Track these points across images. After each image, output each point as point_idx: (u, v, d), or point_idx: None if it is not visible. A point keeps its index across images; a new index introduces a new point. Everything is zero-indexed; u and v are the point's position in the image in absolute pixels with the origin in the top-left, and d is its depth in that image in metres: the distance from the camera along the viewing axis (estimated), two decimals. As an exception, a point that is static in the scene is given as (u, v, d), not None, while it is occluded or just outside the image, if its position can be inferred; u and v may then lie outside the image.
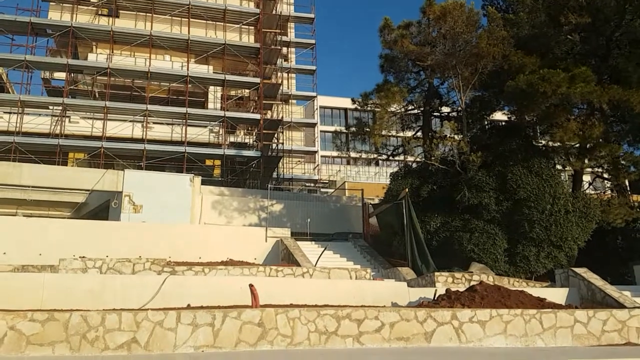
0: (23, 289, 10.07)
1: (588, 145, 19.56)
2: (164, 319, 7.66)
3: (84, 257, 14.10)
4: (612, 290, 12.54)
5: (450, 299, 11.12)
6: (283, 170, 38.99)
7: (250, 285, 9.61)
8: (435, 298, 11.77)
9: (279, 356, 6.85)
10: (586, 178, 24.75)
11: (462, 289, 12.24)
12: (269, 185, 28.03)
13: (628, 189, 23.63)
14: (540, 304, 10.92)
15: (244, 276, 13.58)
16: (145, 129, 31.48)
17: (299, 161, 42.94)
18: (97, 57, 32.84)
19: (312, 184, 41.98)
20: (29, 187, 23.85)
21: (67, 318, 7.34)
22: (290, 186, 38.91)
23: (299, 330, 8.41)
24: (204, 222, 24.51)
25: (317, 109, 45.16)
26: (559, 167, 21.89)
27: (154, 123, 32.39)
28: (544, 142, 21.62)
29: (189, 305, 9.81)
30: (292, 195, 30.85)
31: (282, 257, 20.43)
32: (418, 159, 24.26)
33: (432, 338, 8.98)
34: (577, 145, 20.10)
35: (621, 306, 11.37)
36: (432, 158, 20.29)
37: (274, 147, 35.96)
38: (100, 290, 10.16)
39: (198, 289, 10.80)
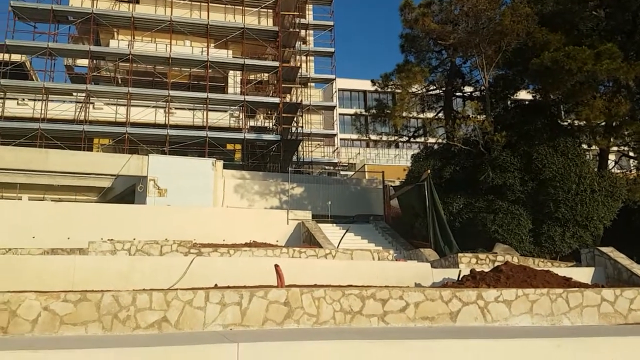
0: (54, 272, 10.30)
1: (614, 124, 19.17)
2: (193, 298, 7.78)
3: (112, 239, 14.39)
4: (639, 269, 12.37)
5: (475, 279, 11.08)
6: (303, 154, 39.05)
7: (276, 266, 9.71)
8: (460, 278, 11.74)
9: (306, 334, 6.95)
10: (612, 157, 24.29)
11: (486, 269, 12.16)
12: (290, 169, 28.12)
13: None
14: (567, 283, 10.83)
15: (268, 257, 13.71)
16: (167, 115, 31.79)
17: (319, 144, 42.93)
18: (119, 43, 33.12)
19: (332, 167, 42.00)
20: (55, 172, 24.33)
21: (99, 298, 7.49)
22: (310, 169, 38.98)
23: (324, 310, 8.48)
24: (227, 205, 24.79)
25: (335, 91, 44.91)
26: (584, 146, 21.54)
27: (175, 108, 32.68)
28: (569, 121, 21.24)
29: (216, 285, 9.98)
30: (313, 179, 30.93)
31: (304, 239, 20.58)
32: (440, 140, 24.06)
33: (458, 318, 8.97)
34: (603, 123, 19.71)
35: (649, 285, 11.21)
36: (455, 139, 20.10)
37: (293, 131, 35.99)
38: (130, 272, 10.36)
39: (224, 270, 10.94)
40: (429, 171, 19.81)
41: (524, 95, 24.21)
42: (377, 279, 12.08)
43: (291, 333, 7.28)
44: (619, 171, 23.66)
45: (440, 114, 23.91)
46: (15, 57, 32.43)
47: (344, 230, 20.81)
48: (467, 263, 14.39)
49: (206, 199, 23.87)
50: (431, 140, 25.72)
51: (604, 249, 13.68)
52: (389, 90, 23.82)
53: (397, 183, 27.32)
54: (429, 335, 7.37)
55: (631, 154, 22.08)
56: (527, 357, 5.72)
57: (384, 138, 25.21)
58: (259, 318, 8.07)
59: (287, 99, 35.78)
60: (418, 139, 26.40)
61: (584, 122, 19.45)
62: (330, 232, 21.08)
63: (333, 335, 6.83)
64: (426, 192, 19.46)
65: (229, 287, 9.31)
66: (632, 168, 26.21)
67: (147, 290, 7.86)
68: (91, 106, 31.70)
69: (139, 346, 5.45)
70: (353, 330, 7.96)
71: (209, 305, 7.87)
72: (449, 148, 21.39)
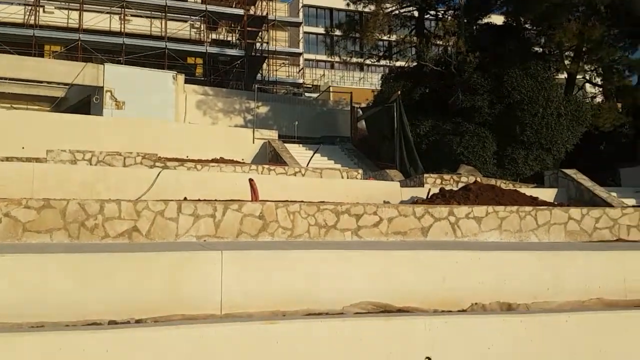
0: (11, 180, 9.75)
1: (584, 48, 19.20)
2: (164, 209, 7.52)
3: (71, 149, 13.69)
4: (600, 190, 12.80)
5: (444, 197, 11.21)
6: (268, 73, 37.90)
7: (250, 180, 9.49)
8: (429, 197, 11.86)
9: (282, 245, 6.85)
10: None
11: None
12: (255, 86, 27.28)
13: (614, 98, 23.60)
14: (534, 202, 11.09)
15: (237, 173, 13.41)
16: (123, 22, 29.85)
17: (283, 63, 41.69)
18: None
19: (296, 88, 41.13)
20: (4, 79, 22.79)
21: (64, 206, 7.14)
22: (274, 89, 38.07)
23: (299, 224, 8.42)
24: (189, 121, 24.04)
25: (301, 7, 43.22)
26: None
27: (132, 15, 30.69)
28: (540, 44, 21.12)
29: (185, 198, 9.68)
30: (278, 98, 30.23)
31: (270, 159, 20.33)
32: (411, 62, 23.61)
33: (429, 232, 9.09)
34: (574, 48, 19.72)
35: (609, 205, 11.62)
36: (427, 59, 19.71)
37: (258, 47, 34.64)
38: (94, 182, 9.90)
39: (193, 184, 10.63)
40: (399, 92, 19.55)
41: (495, 18, 23.79)
42: (347, 197, 12.05)
43: (267, 244, 7.18)
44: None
45: (413, 35, 23.32)
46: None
47: (311, 151, 20.64)
48: (432, 183, 14.58)
49: (167, 114, 23.02)
50: (401, 63, 25.25)
51: (568, 171, 14.05)
52: (361, 7, 22.92)
53: (363, 105, 27.02)
54: (404, 247, 7.38)
55: (597, 80, 22.31)
56: (515, 268, 5.84)
57: (354, 59, 24.56)
58: (233, 230, 7.92)
59: (252, 12, 34.10)
60: (388, 60, 25.86)
61: (556, 45, 19.37)
62: (297, 152, 20.87)
63: (310, 247, 6.75)
64: (395, 113, 19.28)
65: (200, 200, 9.06)
66: (591, 95, 26.65)
67: (115, 200, 7.53)
68: (41, 9, 29.38)
69: (120, 251, 5.21)
70: (328, 243, 7.94)
71: (181, 216, 7.64)
72: (420, 69, 21.07)
